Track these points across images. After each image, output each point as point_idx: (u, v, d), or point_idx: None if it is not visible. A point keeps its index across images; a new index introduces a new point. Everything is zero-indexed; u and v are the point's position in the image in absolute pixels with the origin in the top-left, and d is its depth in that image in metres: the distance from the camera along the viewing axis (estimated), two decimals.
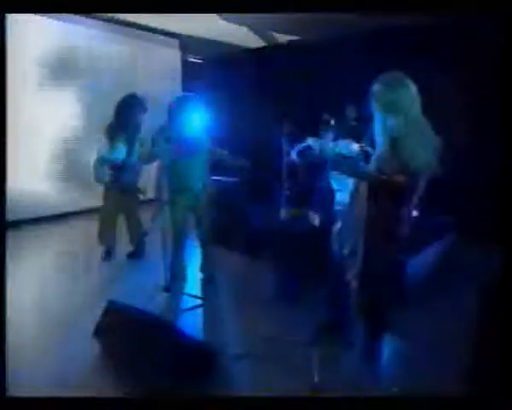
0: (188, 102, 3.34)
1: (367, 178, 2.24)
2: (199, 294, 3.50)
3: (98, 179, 4.01)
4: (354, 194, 2.36)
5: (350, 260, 2.33)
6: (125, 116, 3.93)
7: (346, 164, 2.48)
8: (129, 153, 3.93)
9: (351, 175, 2.37)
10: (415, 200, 2.24)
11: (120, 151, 3.93)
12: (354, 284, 2.32)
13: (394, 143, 2.12)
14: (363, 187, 2.25)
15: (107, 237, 4.17)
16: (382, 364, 2.39)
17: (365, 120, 2.37)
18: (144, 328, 2.39)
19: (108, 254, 4.19)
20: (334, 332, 2.64)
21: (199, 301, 3.33)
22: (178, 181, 3.38)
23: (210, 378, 2.27)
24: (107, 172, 3.96)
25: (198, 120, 3.31)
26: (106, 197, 4.15)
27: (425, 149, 2.11)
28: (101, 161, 3.96)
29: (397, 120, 2.12)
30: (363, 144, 2.57)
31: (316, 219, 3.58)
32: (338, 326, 2.67)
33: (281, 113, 4.58)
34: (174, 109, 3.31)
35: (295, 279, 3.38)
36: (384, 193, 2.17)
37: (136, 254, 4.24)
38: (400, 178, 2.08)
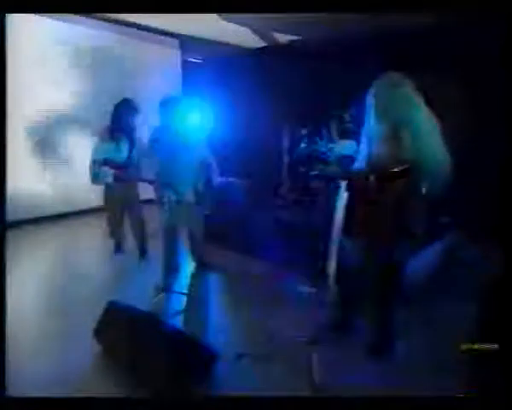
0: (177, 103, 3.44)
1: (349, 179, 2.25)
2: (198, 293, 3.50)
3: (96, 180, 4.06)
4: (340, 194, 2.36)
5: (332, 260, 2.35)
6: (121, 118, 4.03)
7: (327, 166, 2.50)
8: (130, 151, 4.04)
9: (338, 176, 2.38)
10: (405, 201, 2.21)
11: (122, 150, 4.01)
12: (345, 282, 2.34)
13: (381, 145, 2.11)
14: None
15: (115, 232, 4.33)
16: (382, 363, 2.39)
17: (362, 122, 2.38)
18: (144, 328, 2.39)
19: (118, 248, 4.37)
20: (334, 332, 2.64)
21: (198, 301, 3.33)
22: (165, 179, 3.46)
23: (210, 378, 2.27)
24: (108, 173, 4.01)
25: (188, 122, 3.47)
26: (108, 196, 4.19)
27: (415, 151, 2.09)
28: (102, 162, 4.01)
29: (384, 124, 2.11)
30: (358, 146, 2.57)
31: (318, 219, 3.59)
32: (339, 326, 2.67)
33: (281, 113, 4.58)
34: (162, 110, 3.43)
35: (295, 279, 3.38)
36: (368, 194, 2.16)
37: (141, 255, 4.26)
38: (382, 180, 2.07)
